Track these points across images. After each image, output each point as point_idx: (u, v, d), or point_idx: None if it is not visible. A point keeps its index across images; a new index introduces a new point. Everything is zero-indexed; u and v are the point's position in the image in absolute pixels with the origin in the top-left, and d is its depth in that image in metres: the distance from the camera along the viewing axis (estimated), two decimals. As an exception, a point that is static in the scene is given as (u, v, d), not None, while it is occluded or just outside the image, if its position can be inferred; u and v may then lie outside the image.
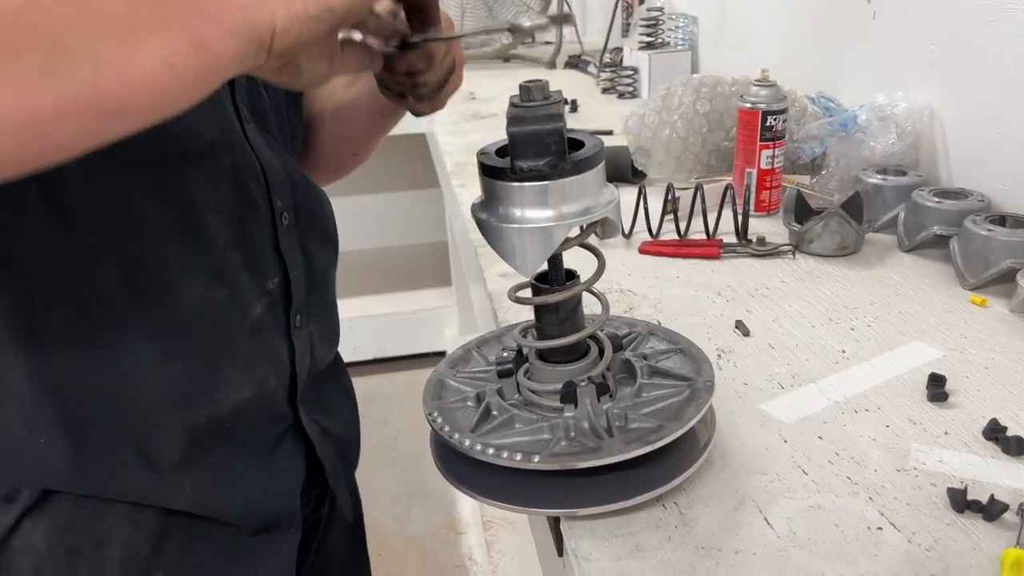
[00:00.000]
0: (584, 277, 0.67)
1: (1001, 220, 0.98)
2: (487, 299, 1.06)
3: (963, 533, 0.60)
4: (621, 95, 2.05)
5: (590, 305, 0.70)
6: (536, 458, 0.60)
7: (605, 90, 2.13)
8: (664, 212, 1.17)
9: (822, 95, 1.33)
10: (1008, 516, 0.61)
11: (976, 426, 0.72)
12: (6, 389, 0.65)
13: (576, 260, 0.68)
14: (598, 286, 0.68)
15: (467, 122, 1.92)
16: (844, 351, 0.85)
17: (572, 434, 0.63)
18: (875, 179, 1.14)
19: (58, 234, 0.61)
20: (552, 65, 2.55)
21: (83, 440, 0.66)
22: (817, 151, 1.22)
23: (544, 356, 0.68)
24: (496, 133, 1.84)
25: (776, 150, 1.19)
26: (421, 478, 2.33)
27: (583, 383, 0.65)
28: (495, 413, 0.67)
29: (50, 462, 0.66)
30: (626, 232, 1.16)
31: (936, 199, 1.05)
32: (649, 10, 2.04)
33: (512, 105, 0.60)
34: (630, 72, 2.03)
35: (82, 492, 0.68)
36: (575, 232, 0.62)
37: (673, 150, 1.30)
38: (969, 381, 0.78)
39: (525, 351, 0.71)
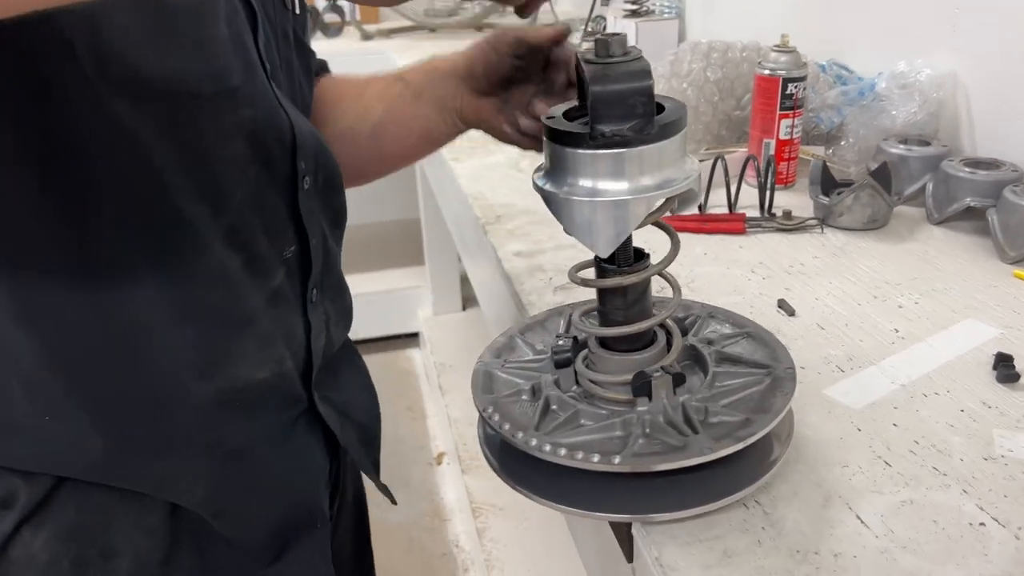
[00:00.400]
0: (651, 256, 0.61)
1: (1041, 190, 0.95)
2: (502, 280, 1.00)
3: (1071, 527, 0.56)
4: (606, 65, 1.98)
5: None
6: (616, 459, 0.54)
7: (588, 60, 2.05)
8: (681, 185, 1.11)
9: (834, 62, 1.29)
10: (1114, 506, 0.57)
11: (1055, 408, 0.68)
12: (5, 357, 0.58)
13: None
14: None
15: (449, 93, 1.83)
16: (897, 330, 0.81)
17: (648, 430, 0.57)
18: (898, 149, 1.10)
19: (67, 176, 0.54)
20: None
21: (90, 413, 0.60)
22: (835, 121, 1.18)
23: (608, 344, 0.62)
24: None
25: (796, 120, 1.14)
26: (401, 464, 2.26)
27: (657, 373, 0.58)
28: (555, 408, 0.61)
29: (55, 439, 0.59)
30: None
31: (968, 169, 1.01)
32: (634, -23, 1.96)
33: (588, 62, 0.53)
34: (615, 41, 1.96)
35: (89, 479, 0.61)
36: (655, 206, 0.56)
37: (683, 120, 1.24)
38: (1034, 360, 0.74)
39: (582, 338, 0.64)
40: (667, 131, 0.53)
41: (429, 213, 2.63)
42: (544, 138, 0.56)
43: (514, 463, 0.61)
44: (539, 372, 0.65)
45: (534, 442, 0.56)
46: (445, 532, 2.03)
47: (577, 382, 0.64)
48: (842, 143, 1.18)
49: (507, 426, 0.59)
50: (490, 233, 1.07)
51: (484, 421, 0.61)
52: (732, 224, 1.04)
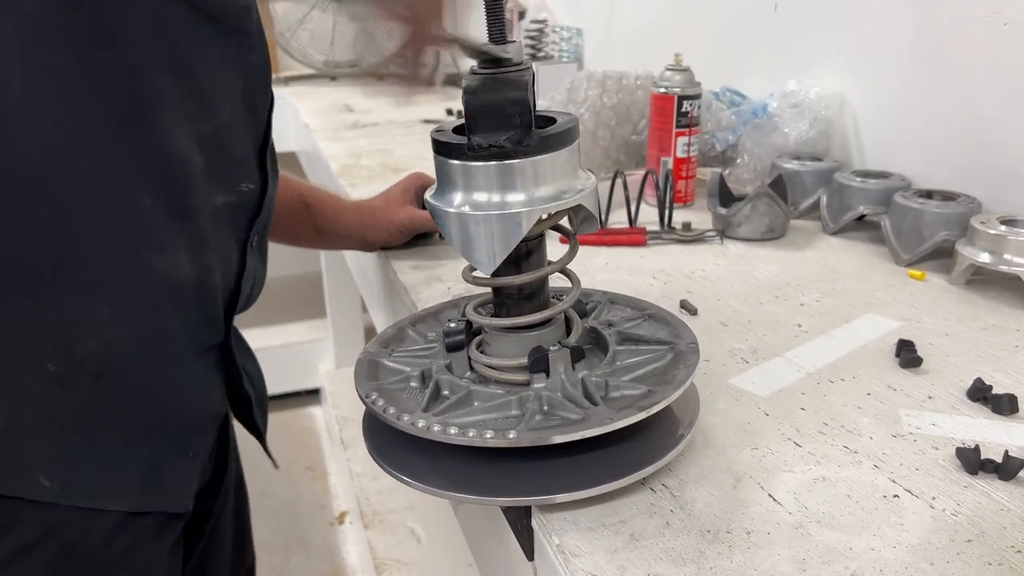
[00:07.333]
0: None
1: (928, 195, 0.96)
2: (397, 295, 0.95)
3: (983, 495, 0.54)
4: (507, 107, 1.99)
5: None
6: (512, 434, 0.49)
7: (489, 103, 2.06)
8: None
9: (727, 88, 1.31)
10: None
11: (957, 388, 0.67)
12: None
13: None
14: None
15: (348, 130, 1.79)
16: (800, 325, 0.79)
17: (546, 407, 0.52)
18: (792, 165, 1.11)
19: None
20: (430, 82, 2.47)
21: None
22: (730, 140, 1.19)
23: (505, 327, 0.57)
24: (379, 140, 1.71)
25: (692, 138, 1.14)
26: (299, 525, 2.13)
27: (554, 348, 0.54)
28: (446, 392, 0.55)
29: None
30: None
31: (860, 179, 1.02)
32: (533, 22, 1.99)
33: (471, 73, 0.50)
34: (515, 84, 1.97)
35: None
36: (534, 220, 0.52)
37: (582, 145, 1.23)
38: (935, 348, 0.74)
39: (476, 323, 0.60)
40: (551, 143, 0.50)
41: (331, 264, 2.56)
42: (433, 151, 0.53)
43: (400, 452, 0.55)
44: (430, 359, 0.60)
45: (421, 423, 0.51)
46: (347, 593, 1.90)
47: (471, 368, 0.59)
48: (737, 162, 1.19)
49: (392, 409, 0.53)
50: (388, 255, 1.02)
51: (368, 407, 0.55)
52: (633, 236, 1.02)
